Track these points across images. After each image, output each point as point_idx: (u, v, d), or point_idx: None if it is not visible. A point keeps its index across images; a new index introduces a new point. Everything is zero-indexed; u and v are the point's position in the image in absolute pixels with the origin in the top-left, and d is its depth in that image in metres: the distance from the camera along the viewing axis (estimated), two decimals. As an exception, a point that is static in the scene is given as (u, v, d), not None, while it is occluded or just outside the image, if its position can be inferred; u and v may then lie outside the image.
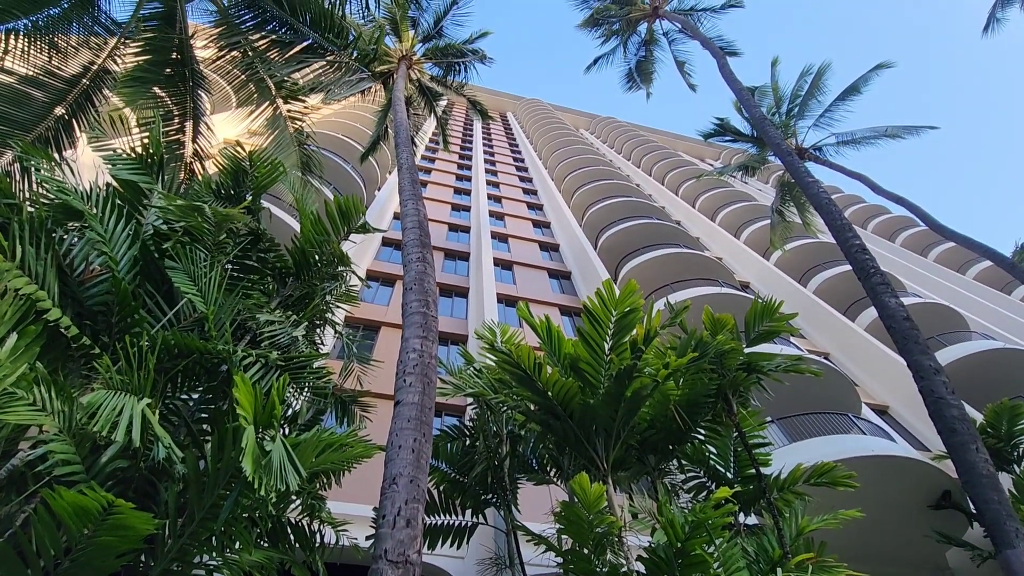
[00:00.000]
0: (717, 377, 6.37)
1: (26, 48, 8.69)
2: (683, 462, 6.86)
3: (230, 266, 6.00)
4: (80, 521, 2.84)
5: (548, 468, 7.08)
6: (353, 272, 7.02)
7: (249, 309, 5.44)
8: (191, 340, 4.39)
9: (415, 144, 18.09)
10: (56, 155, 8.49)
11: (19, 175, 6.53)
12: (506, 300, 17.82)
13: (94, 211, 4.73)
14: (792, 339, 17.89)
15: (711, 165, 55.82)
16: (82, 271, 4.80)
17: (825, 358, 17.17)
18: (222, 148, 6.44)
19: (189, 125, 10.49)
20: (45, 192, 5.35)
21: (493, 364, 6.97)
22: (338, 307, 7.47)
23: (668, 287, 18.03)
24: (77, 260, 4.71)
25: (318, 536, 5.42)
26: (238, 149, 6.29)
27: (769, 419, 8.68)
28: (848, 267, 22.54)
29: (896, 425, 15.13)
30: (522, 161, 44.67)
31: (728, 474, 6.72)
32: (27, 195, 5.15)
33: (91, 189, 5.04)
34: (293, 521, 5.22)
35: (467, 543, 6.81)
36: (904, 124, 18.57)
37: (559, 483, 7.14)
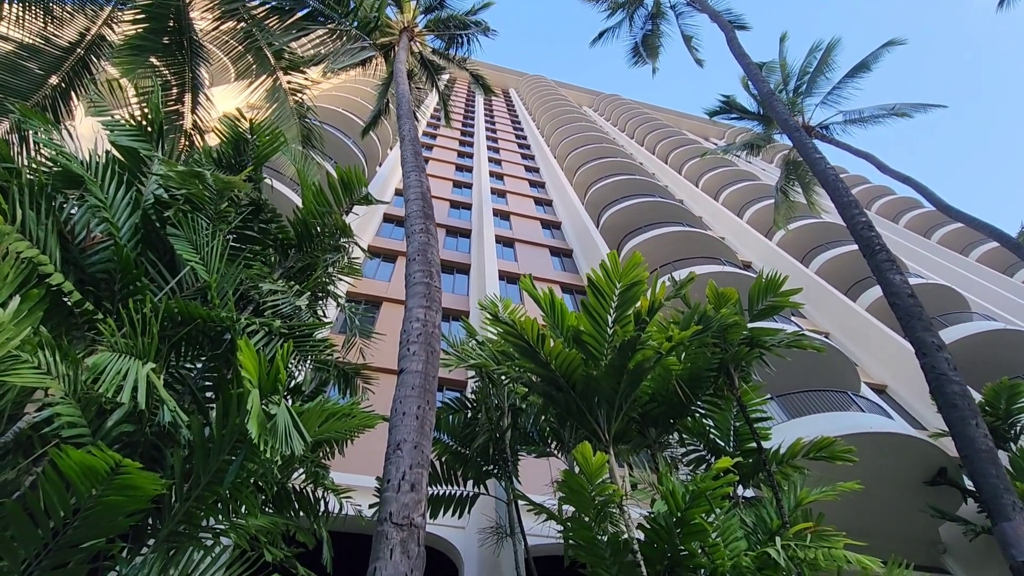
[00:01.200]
0: (720, 351, 6.38)
1: (21, 14, 8.53)
2: (683, 435, 6.92)
3: (232, 236, 5.97)
4: (88, 481, 2.86)
5: (549, 440, 7.14)
6: (356, 243, 6.99)
7: (251, 279, 5.42)
8: (194, 307, 4.37)
9: (417, 119, 17.87)
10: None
11: (17, 144, 6.47)
12: (508, 277, 17.80)
13: (94, 177, 4.68)
14: (793, 318, 17.91)
15: (715, 144, 55.25)
16: (83, 238, 4.76)
17: (825, 337, 17.20)
18: (223, 117, 6.34)
19: (188, 97, 10.33)
20: (44, 160, 5.29)
21: (496, 337, 6.98)
22: (340, 280, 7.45)
23: (671, 265, 17.98)
24: (78, 227, 4.67)
25: (322, 503, 5.49)
26: (239, 118, 6.20)
27: (769, 396, 8.73)
28: (850, 248, 22.46)
29: (894, 404, 15.23)
30: (524, 138, 44.19)
31: (728, 447, 6.78)
32: (26, 162, 5.09)
33: (90, 157, 4.99)
34: (297, 488, 5.28)
35: (468, 512, 6.91)
36: (912, 102, 18.23)
37: (560, 455, 7.21)
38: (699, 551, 4.67)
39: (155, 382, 3.40)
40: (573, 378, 5.38)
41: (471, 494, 6.95)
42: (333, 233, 6.77)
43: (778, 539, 4.51)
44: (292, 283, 5.79)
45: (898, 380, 15.65)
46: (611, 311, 5.28)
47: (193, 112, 10.28)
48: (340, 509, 5.88)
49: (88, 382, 3.55)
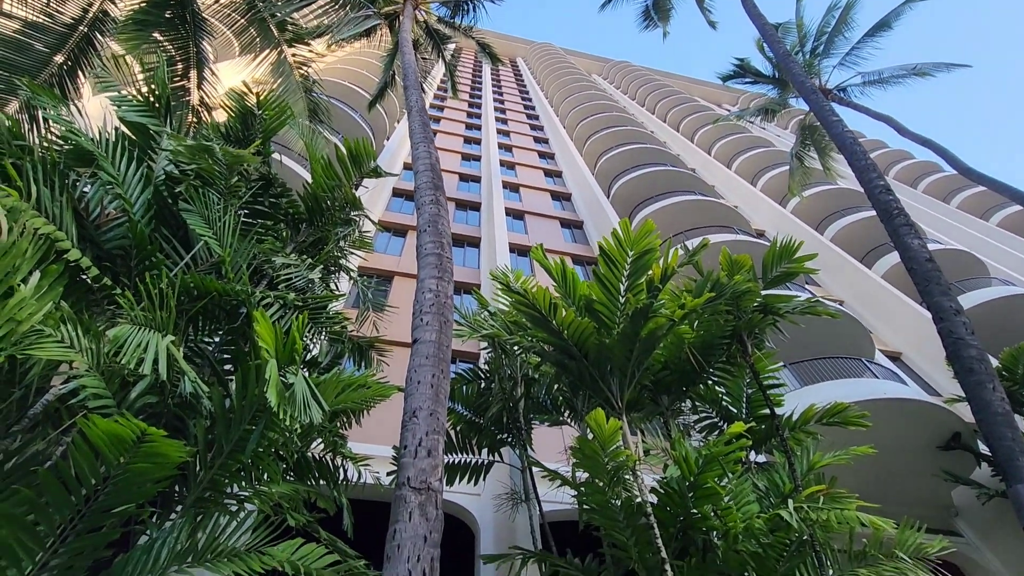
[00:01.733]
0: (733, 319, 6.35)
1: (22, -10, 8.45)
2: (696, 403, 6.95)
3: (243, 211, 5.99)
4: (115, 449, 2.95)
5: (562, 409, 7.22)
6: (366, 216, 6.99)
7: (264, 253, 5.46)
8: (209, 281, 4.42)
9: (423, 91, 17.64)
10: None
11: (27, 122, 6.49)
12: (518, 250, 17.75)
13: (104, 154, 4.69)
14: (808, 286, 17.74)
15: (728, 111, 53.96)
16: (98, 215, 4.81)
17: (840, 305, 17.04)
18: (229, 91, 6.30)
19: (193, 72, 10.26)
20: (54, 139, 5.31)
21: (507, 308, 7.01)
22: (352, 253, 7.49)
23: (683, 235, 17.80)
24: (92, 204, 4.71)
25: (341, 471, 5.63)
26: (246, 92, 6.15)
27: (782, 364, 8.69)
28: (866, 214, 22.05)
29: (909, 371, 15.15)
30: (533, 108, 43.47)
31: (741, 414, 6.81)
32: (37, 141, 5.12)
33: (100, 134, 4.99)
34: (317, 457, 5.41)
35: (484, 480, 7.05)
36: (934, 62, 17.57)
37: (573, 424, 7.29)
38: (712, 514, 4.74)
39: (175, 354, 3.47)
40: (585, 347, 5.40)
41: (486, 462, 7.08)
42: (343, 207, 6.77)
43: (790, 502, 4.56)
44: (304, 257, 5.83)
45: (913, 347, 15.52)
46: (623, 279, 5.25)
47: (199, 88, 10.22)
48: (359, 477, 6.03)
49: (110, 355, 3.63)
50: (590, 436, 4.54)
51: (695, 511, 4.76)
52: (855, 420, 6.33)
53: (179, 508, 4.09)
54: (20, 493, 2.98)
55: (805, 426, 6.56)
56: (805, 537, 4.86)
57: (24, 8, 8.49)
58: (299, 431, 4.29)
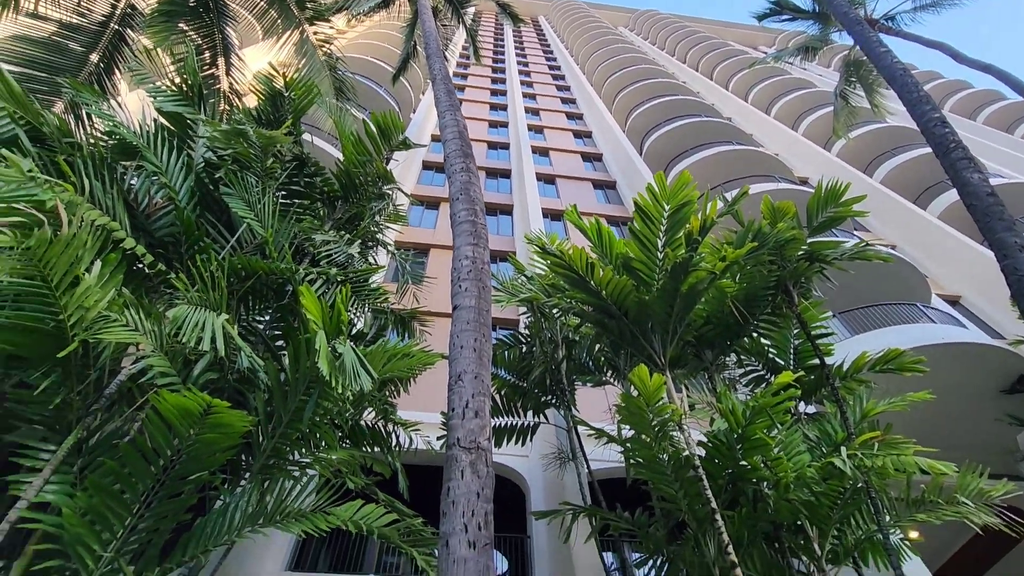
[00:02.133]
0: (777, 268, 6.16)
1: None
2: (741, 356, 6.85)
3: (281, 192, 6.13)
4: (185, 421, 3.16)
5: (604, 369, 7.25)
6: (399, 189, 7.05)
7: (304, 231, 5.60)
8: (255, 262, 4.59)
9: (446, 59, 17.40)
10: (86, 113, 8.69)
11: (72, 121, 6.76)
12: (551, 214, 17.59)
13: (147, 146, 4.86)
14: (856, 232, 16.97)
15: (765, 53, 51.12)
16: (146, 205, 5.02)
17: (892, 249, 16.26)
18: (257, 75, 6.37)
19: (221, 60, 10.40)
20: (98, 134, 5.53)
21: (544, 271, 7.00)
22: (388, 227, 7.59)
23: (721, 187, 17.23)
24: (140, 195, 4.92)
25: (393, 437, 5.86)
26: (273, 74, 6.22)
27: (831, 313, 8.40)
28: (919, 152, 20.73)
29: (969, 315, 14.42)
30: (558, 68, 42.28)
31: (788, 366, 6.68)
32: (82, 137, 5.34)
33: (140, 127, 5.16)
34: (370, 424, 5.64)
35: (531, 440, 7.21)
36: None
37: (616, 383, 7.32)
38: (761, 465, 4.72)
39: (230, 331, 3.64)
40: (625, 305, 5.37)
41: (531, 423, 7.22)
42: (376, 181, 6.84)
43: (843, 449, 4.48)
44: (343, 232, 5.95)
45: (974, 289, 14.72)
46: (660, 234, 5.15)
47: (228, 75, 10.38)
48: (410, 443, 6.26)
49: (171, 336, 3.85)
50: (634, 393, 4.55)
51: (744, 463, 4.75)
52: (911, 366, 6.11)
53: (247, 475, 4.37)
54: (106, 465, 3.24)
55: (857, 374, 6.38)
56: (860, 485, 4.80)
57: (58, 9, 8.75)
58: (351, 399, 4.46)
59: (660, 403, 4.37)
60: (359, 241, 5.85)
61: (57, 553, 3.27)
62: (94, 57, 8.99)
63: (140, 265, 4.49)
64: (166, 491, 3.38)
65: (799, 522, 4.91)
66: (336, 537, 7.83)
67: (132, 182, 5.11)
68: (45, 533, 3.24)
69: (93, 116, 7.16)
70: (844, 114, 18.59)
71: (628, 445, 5.08)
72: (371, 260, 7.33)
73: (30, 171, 3.15)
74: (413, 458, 7.53)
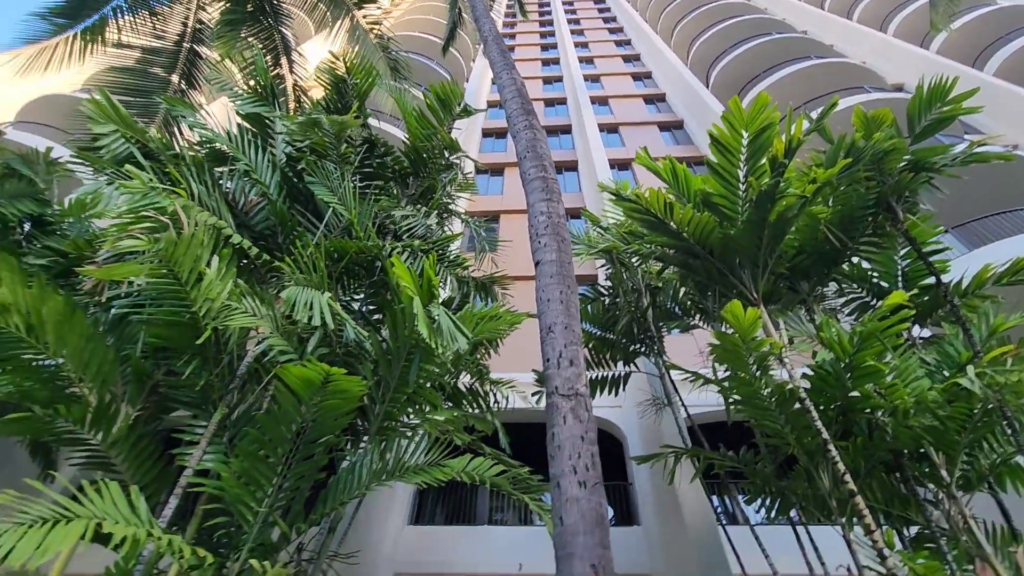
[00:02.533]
0: (876, 185, 5.65)
1: (133, 21, 9.43)
2: (841, 284, 6.42)
3: (356, 176, 6.42)
4: (308, 390, 3.49)
5: (692, 313, 7.09)
6: (466, 156, 7.14)
7: (383, 210, 5.86)
8: (346, 243, 4.88)
9: (493, 20, 17.08)
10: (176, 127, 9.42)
11: (167, 136, 7.40)
12: (618, 164, 17.09)
13: (238, 148, 5.25)
14: (967, 136, 15.09)
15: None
16: (243, 203, 5.46)
17: (1013, 149, 14.33)
18: (320, 65, 6.63)
19: (283, 60, 10.86)
20: (192, 145, 6.03)
21: (619, 220, 6.89)
22: (459, 197, 7.76)
23: (802, 108, 15.87)
24: (237, 194, 5.36)
25: (490, 397, 6.12)
26: (334, 61, 6.43)
27: (943, 228, 7.61)
28: (1044, 30, 17.84)
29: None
30: (608, 11, 40.16)
31: (895, 288, 6.19)
32: (180, 149, 5.84)
33: (227, 134, 5.57)
34: (468, 386, 5.92)
35: (624, 390, 7.25)
36: None
37: (705, 325, 7.14)
38: (874, 393, 4.47)
39: (335, 307, 3.94)
40: (709, 242, 5.18)
41: (623, 373, 7.24)
42: (442, 152, 6.97)
43: (970, 368, 4.14)
44: (418, 206, 6.16)
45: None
46: (740, 164, 4.88)
47: (291, 72, 10.83)
48: (507, 401, 6.51)
49: (284, 318, 4.22)
50: (729, 331, 4.44)
51: (854, 392, 4.52)
52: (1045, 274, 5.46)
53: (365, 439, 4.76)
54: (250, 434, 3.67)
55: (979, 290, 5.81)
56: (991, 405, 4.43)
57: (138, 36, 9.50)
58: (450, 359, 4.70)
59: (757, 337, 4.23)
60: (435, 212, 6.03)
61: (221, 512, 3.78)
62: (175, 78, 9.70)
63: (247, 259, 4.93)
64: (301, 454, 3.78)
65: (922, 449, 4.64)
66: (448, 494, 8.39)
67: (227, 185, 5.56)
68: (210, 496, 3.75)
69: (183, 128, 7.79)
70: (943, 3, 16.31)
71: (725, 384, 4.98)
72: (447, 231, 7.55)
73: (150, 182, 3.53)
74: (510, 416, 7.83)
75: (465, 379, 6.07)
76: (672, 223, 5.12)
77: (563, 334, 3.77)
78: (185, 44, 9.96)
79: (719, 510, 7.92)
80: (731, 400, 5.27)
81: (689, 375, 5.74)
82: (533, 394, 7.08)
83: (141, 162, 4.16)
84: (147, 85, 8.82)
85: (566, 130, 21.09)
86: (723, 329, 5.43)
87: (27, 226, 6.80)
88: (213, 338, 4.07)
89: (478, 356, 6.71)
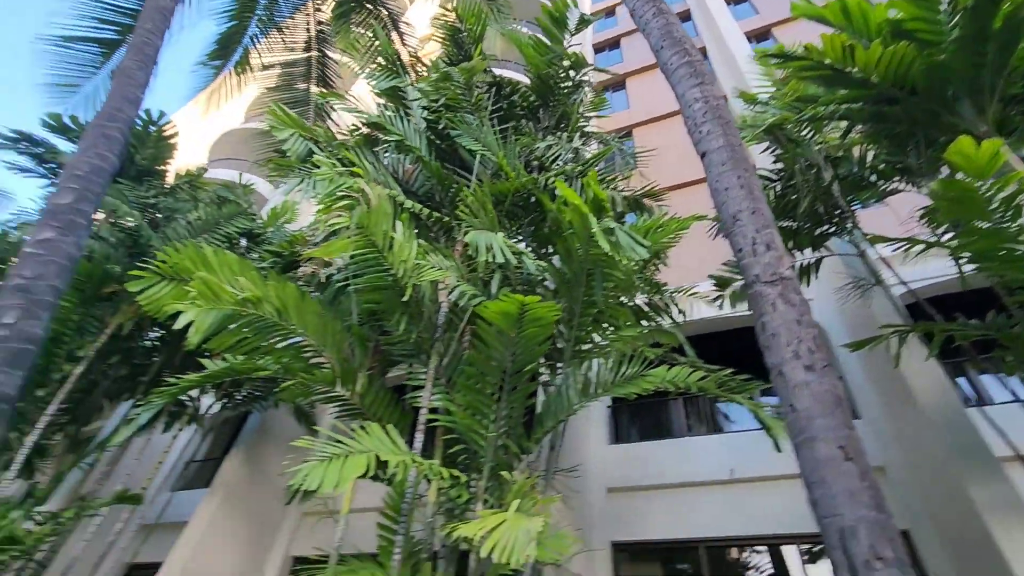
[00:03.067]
0: None
1: (267, 42, 10.44)
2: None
3: (492, 120, 6.50)
4: (507, 321, 3.70)
5: (888, 175, 6.06)
6: (593, 68, 6.81)
7: (525, 146, 5.88)
8: (502, 185, 5.01)
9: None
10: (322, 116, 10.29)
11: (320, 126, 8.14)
12: (755, 35, 14.96)
13: (390, 125, 5.61)
14: None
15: None
16: (402, 174, 5.87)
17: None
18: (432, 19, 6.72)
19: (394, 35, 11.23)
20: (345, 130, 6.58)
21: (778, 93, 6.07)
22: (592, 117, 7.47)
23: None
24: (395, 166, 5.77)
25: (673, 309, 5.98)
26: (445, 12, 6.47)
27: None
28: None
29: None
30: None
31: None
32: (339, 137, 6.43)
33: (379, 111, 5.97)
34: (647, 302, 5.85)
35: (816, 277, 6.58)
36: None
37: (909, 187, 6.08)
38: None
39: (508, 244, 4.09)
40: (908, 80, 4.30)
41: (812, 260, 6.55)
42: (567, 74, 6.71)
43: None
44: (557, 134, 6.06)
45: None
46: (941, -31, 3.91)
47: (404, 45, 11.18)
48: (685, 315, 6.31)
49: (463, 267, 4.52)
50: (951, 176, 3.71)
51: None
52: None
53: (560, 365, 4.98)
54: (465, 372, 4.06)
55: None
56: None
57: (271, 53, 10.53)
58: (634, 268, 4.63)
59: (1000, 171, 3.48)
60: (576, 135, 5.88)
61: (457, 441, 4.28)
62: (313, 87, 10.61)
63: (418, 221, 5.33)
64: (511, 383, 4.09)
65: None
66: (640, 413, 8.53)
67: (384, 161, 6.01)
68: (444, 428, 4.26)
69: (331, 118, 8.52)
70: None
71: (957, 243, 4.22)
72: (587, 154, 7.36)
73: (336, 167, 3.95)
74: (691, 328, 7.63)
75: (643, 297, 5.99)
76: (855, 70, 4.34)
77: (752, 219, 3.48)
78: (313, 50, 10.79)
79: (962, 389, 6.93)
80: (964, 261, 4.47)
81: (902, 244, 4.98)
82: (714, 299, 6.78)
83: (318, 155, 4.66)
84: (292, 97, 9.80)
85: (685, 16, 18.94)
86: (946, 175, 4.57)
87: (244, 241, 8.13)
88: (413, 295, 4.52)
89: (649, 272, 6.57)
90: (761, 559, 6.26)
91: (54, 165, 7.20)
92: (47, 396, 5.90)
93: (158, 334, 7.76)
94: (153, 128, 7.15)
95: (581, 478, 6.84)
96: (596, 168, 6.35)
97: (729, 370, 4.67)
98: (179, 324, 3.54)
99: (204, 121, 20.12)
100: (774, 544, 6.09)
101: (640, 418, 8.64)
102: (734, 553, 6.46)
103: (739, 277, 6.90)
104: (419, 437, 4.16)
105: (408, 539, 3.89)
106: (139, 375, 7.56)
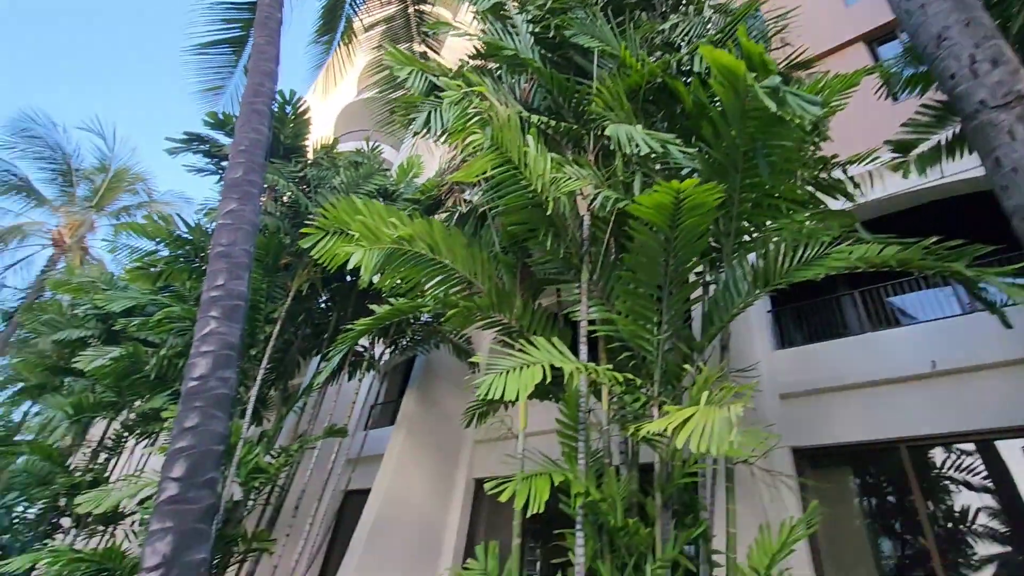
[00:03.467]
0: None
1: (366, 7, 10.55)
2: None
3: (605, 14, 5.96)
4: (662, 215, 3.42)
5: None
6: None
7: (646, 33, 5.32)
8: (627, 79, 4.56)
9: None
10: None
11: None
12: None
13: (503, 43, 5.39)
14: None
15: None
16: (519, 92, 5.67)
17: None
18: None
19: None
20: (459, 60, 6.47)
21: None
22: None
23: None
24: (513, 87, 5.58)
25: (848, 184, 5.20)
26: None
27: None
28: None
29: None
30: None
31: None
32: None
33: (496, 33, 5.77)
34: (814, 180, 5.13)
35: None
36: None
37: None
38: None
39: (651, 133, 3.74)
40: None
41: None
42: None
43: None
44: (681, 10, 5.38)
45: None
46: None
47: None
48: (862, 188, 5.46)
49: (601, 171, 4.26)
50: None
51: None
52: None
53: (719, 263, 4.59)
54: (623, 276, 3.90)
55: None
56: None
57: (369, 14, 10.65)
58: (808, 126, 4.02)
59: None
60: (704, 5, 5.16)
61: (621, 350, 4.19)
62: (414, 34, 10.54)
63: (544, 136, 5.12)
64: (673, 280, 3.84)
65: None
66: (807, 315, 7.76)
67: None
68: (609, 337, 4.19)
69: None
70: None
71: None
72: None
73: (462, 91, 3.89)
74: (863, 211, 6.67)
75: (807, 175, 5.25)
76: None
77: (964, 32, 2.78)
78: (409, 5, 10.69)
79: None
80: None
81: None
82: (897, 167, 5.78)
83: (443, 79, 4.64)
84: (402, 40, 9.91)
85: None
86: None
87: (380, 200, 8.61)
88: (555, 211, 4.40)
89: (808, 150, 5.74)
90: (973, 459, 5.55)
91: (219, 159, 8.15)
92: (258, 355, 6.93)
93: (327, 296, 8.70)
94: (289, 108, 7.70)
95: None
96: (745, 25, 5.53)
97: (933, 238, 3.94)
98: (351, 265, 3.82)
99: (323, 104, 21.49)
100: (989, 439, 5.34)
101: (807, 319, 7.92)
102: (940, 453, 5.78)
103: (926, 136, 5.78)
104: (582, 351, 4.14)
105: (588, 449, 3.95)
106: (321, 333, 8.58)
